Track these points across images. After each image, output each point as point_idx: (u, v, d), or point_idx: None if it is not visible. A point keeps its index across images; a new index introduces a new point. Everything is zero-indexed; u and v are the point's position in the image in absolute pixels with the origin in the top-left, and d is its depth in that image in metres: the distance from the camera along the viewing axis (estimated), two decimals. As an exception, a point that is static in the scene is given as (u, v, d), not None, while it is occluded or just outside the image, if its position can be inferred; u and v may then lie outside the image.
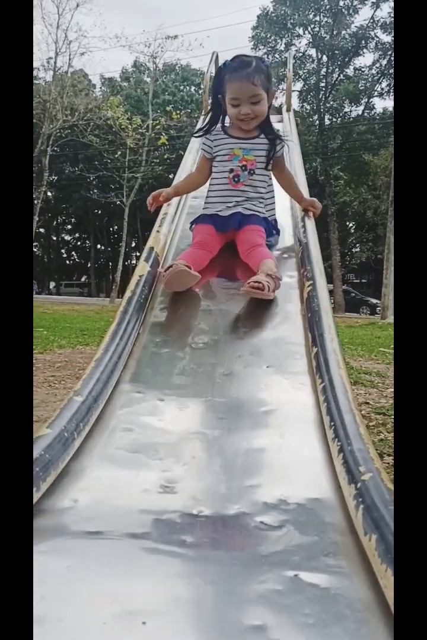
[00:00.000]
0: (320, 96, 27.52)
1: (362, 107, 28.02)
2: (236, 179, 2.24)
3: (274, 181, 2.41)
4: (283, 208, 2.79)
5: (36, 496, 0.95)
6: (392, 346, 6.05)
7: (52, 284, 41.20)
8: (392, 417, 2.75)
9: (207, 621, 0.70)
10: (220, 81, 2.23)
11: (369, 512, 0.86)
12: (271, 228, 2.29)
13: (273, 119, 5.49)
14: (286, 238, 2.48)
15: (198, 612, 0.72)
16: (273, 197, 2.37)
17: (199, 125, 2.51)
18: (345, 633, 0.68)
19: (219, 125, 2.34)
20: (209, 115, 2.40)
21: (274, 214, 2.37)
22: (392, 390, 3.49)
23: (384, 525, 0.81)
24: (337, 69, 27.82)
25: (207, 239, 2.16)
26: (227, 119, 2.35)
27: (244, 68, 2.14)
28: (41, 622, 0.68)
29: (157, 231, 2.31)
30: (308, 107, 28.53)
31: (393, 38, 23.80)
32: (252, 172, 2.24)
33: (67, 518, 0.95)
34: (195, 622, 0.70)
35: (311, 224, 2.42)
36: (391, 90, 26.11)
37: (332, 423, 1.22)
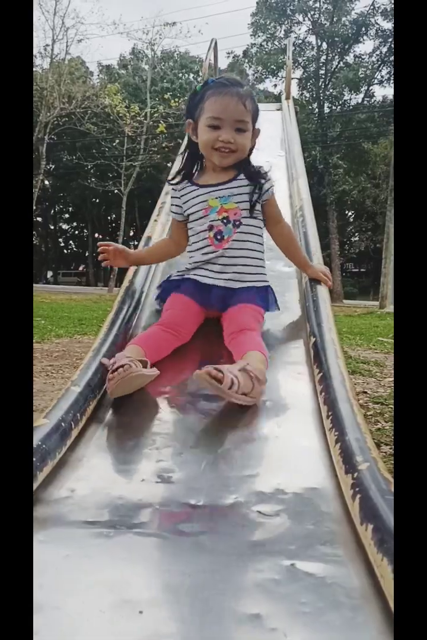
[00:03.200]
0: (319, 84, 27.37)
1: (362, 95, 27.90)
2: (219, 237, 1.71)
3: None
4: (282, 195, 2.77)
5: (33, 486, 0.96)
6: (391, 335, 6.06)
7: (49, 274, 41.12)
8: (390, 406, 2.76)
9: (204, 610, 0.70)
10: (196, 102, 1.71)
11: (366, 502, 0.87)
12: (273, 300, 1.76)
13: (271, 107, 5.42)
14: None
15: (195, 600, 0.72)
16: (263, 256, 1.80)
17: (174, 170, 1.87)
18: (341, 621, 0.69)
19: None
20: (183, 159, 1.83)
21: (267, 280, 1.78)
22: (390, 379, 3.50)
23: (381, 514, 0.81)
24: (337, 57, 27.65)
25: (181, 317, 1.64)
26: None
27: (234, 86, 1.67)
28: (40, 610, 0.68)
29: (155, 220, 2.30)
30: (307, 95, 28.37)
31: (393, 25, 23.62)
32: (238, 223, 1.71)
33: (64, 508, 0.95)
34: (192, 610, 0.70)
35: (309, 213, 2.41)
36: (391, 78, 25.96)
37: (329, 413, 1.22)
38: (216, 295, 1.68)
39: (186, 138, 1.83)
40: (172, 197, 1.83)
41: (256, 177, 1.74)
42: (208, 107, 1.67)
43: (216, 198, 1.72)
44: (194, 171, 1.81)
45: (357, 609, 0.72)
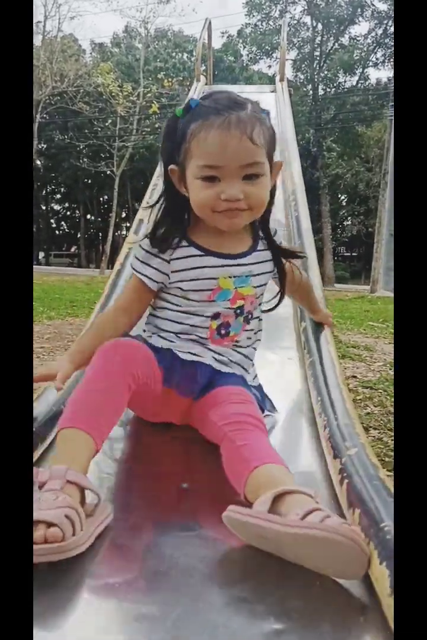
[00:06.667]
0: (314, 65, 27.13)
1: (356, 78, 27.70)
2: (223, 332, 1.21)
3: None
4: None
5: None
6: (381, 320, 6.10)
7: (41, 255, 40.84)
8: (379, 391, 2.78)
9: (194, 593, 0.71)
10: (177, 140, 1.14)
11: (354, 487, 0.88)
12: (264, 401, 1.27)
13: (264, 88, 5.36)
14: (276, 210, 2.47)
15: (184, 584, 0.73)
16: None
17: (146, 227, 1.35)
18: (330, 602, 0.70)
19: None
20: (159, 209, 1.22)
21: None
22: (380, 364, 3.53)
23: (368, 499, 0.82)
24: (332, 38, 27.37)
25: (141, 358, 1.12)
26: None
27: (233, 108, 1.08)
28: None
29: (148, 202, 2.28)
30: (302, 77, 28.13)
31: (390, 5, 23.43)
32: (249, 317, 1.24)
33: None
34: (181, 594, 0.71)
35: (302, 197, 2.41)
36: (386, 61, 25.81)
37: (319, 398, 1.23)
38: (202, 373, 1.18)
39: (162, 185, 1.22)
40: (149, 254, 1.20)
41: (285, 253, 1.28)
42: (196, 149, 1.09)
43: (230, 277, 1.19)
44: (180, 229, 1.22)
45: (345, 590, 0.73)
